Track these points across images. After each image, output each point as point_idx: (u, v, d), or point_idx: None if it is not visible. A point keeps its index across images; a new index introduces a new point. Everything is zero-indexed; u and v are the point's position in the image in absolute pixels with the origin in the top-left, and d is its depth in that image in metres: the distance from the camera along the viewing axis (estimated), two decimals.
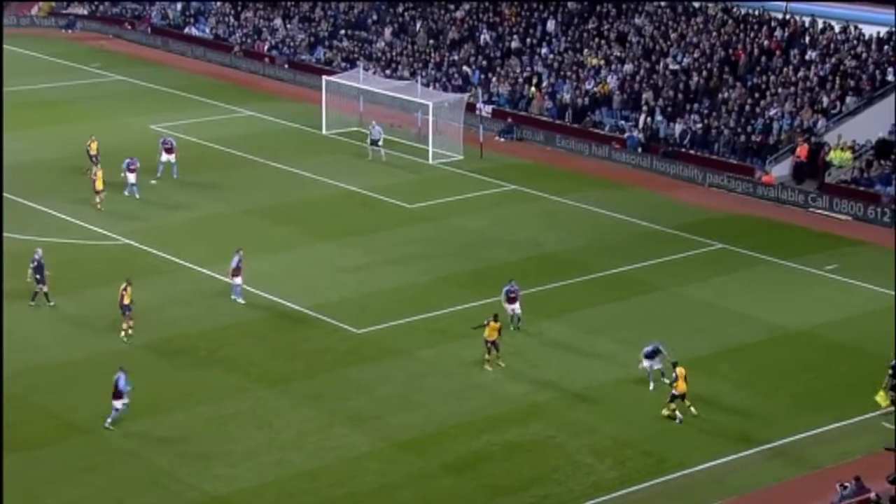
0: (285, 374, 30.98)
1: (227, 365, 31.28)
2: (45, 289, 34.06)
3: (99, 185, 41.44)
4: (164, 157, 45.14)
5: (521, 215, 43.66)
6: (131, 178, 42.78)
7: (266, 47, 65.10)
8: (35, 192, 43.26)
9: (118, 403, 27.78)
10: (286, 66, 63.05)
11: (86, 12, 72.35)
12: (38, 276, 33.91)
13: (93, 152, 44.55)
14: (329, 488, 26.15)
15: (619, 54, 55.31)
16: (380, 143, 48.36)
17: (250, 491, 25.87)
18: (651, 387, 30.23)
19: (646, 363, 30.48)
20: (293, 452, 27.42)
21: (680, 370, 28.91)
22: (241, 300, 34.49)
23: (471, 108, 52.78)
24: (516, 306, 33.31)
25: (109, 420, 27.76)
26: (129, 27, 70.21)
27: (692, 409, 28.90)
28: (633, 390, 30.58)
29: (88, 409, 28.68)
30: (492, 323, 31.28)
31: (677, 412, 28.81)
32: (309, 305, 34.87)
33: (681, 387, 28.82)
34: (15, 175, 44.57)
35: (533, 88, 55.42)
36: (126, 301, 32.17)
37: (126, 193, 42.67)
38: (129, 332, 32.28)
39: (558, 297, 36.08)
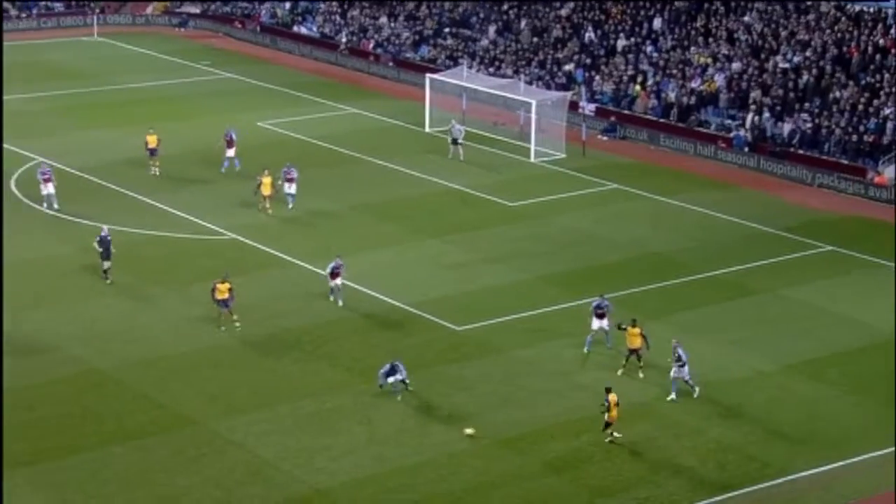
0: None
1: (329, 360, 31.50)
2: (108, 265, 34.94)
3: (266, 191, 40.79)
4: (228, 151, 45.31)
5: (624, 215, 43.14)
6: (288, 188, 41.35)
7: (371, 45, 65.48)
8: (146, 187, 44.10)
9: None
10: (391, 63, 63.34)
11: (198, 11, 73.64)
12: (101, 252, 34.98)
13: (152, 146, 44.77)
14: (428, 485, 26.14)
15: (726, 52, 54.31)
16: (460, 141, 48.12)
17: (350, 485, 26.00)
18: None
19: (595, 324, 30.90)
20: (393, 448, 27.48)
21: (612, 397, 27.34)
22: (339, 302, 34.32)
23: (574, 106, 52.35)
24: (605, 322, 31.90)
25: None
26: (239, 25, 71.26)
27: (614, 434, 27.45)
28: (737, 393, 29.96)
29: (196, 400, 29.14)
30: (629, 329, 30.44)
31: (613, 434, 27.44)
32: (410, 302, 34.93)
33: (612, 415, 27.26)
34: (127, 170, 45.57)
35: (637, 87, 54.74)
36: (221, 297, 32.36)
37: (290, 207, 41.71)
38: (237, 324, 32.61)
39: (660, 298, 35.55)
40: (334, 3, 70.01)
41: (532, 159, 48.94)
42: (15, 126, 49.96)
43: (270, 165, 44.98)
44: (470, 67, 56.67)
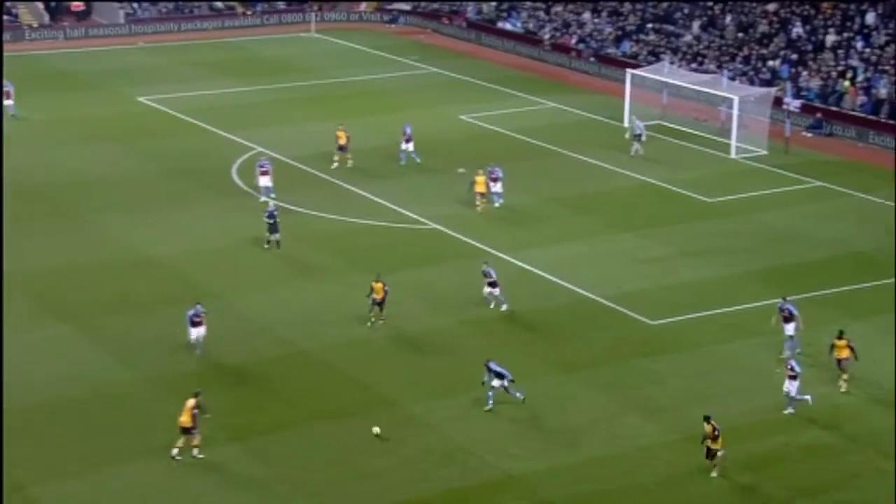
0: (579, 360, 31.15)
1: (524, 349, 31.77)
2: (278, 237, 37.19)
3: (480, 188, 40.86)
4: (405, 145, 45.86)
5: (828, 213, 41.76)
6: (493, 186, 41.14)
7: (574, 41, 65.39)
8: (353, 177, 45.44)
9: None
10: (592, 59, 63.10)
11: (408, 8, 75.24)
12: (270, 223, 37.16)
13: (342, 142, 45.43)
14: (619, 476, 26.11)
15: None
16: (643, 138, 47.37)
17: (544, 472, 26.21)
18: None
19: None
20: (585, 437, 27.56)
21: (707, 427, 25.50)
22: (504, 307, 33.73)
23: (778, 102, 50.95)
24: (791, 327, 30.64)
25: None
26: (447, 22, 72.41)
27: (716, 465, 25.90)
28: None
29: (396, 383, 29.93)
30: (836, 341, 29.19)
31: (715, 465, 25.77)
32: (605, 295, 34.85)
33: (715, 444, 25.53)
34: (340, 161, 47.05)
35: (846, 83, 52.78)
36: (378, 296, 32.32)
37: (496, 204, 41.37)
38: (380, 321, 32.49)
39: (865, 298, 34.32)
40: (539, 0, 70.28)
41: (733, 155, 47.91)
42: (235, 117, 52.39)
43: (470, 158, 45.63)
44: (672, 63, 55.87)
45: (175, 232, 39.28)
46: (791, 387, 28.16)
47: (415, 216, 41.37)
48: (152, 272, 36.12)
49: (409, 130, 46.35)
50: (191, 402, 26.38)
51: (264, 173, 41.79)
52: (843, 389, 29.20)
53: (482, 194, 41.05)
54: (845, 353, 29.16)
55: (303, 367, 30.84)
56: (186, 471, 26.02)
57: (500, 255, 37.90)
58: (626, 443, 27.32)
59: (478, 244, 38.84)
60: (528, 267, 37.01)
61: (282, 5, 74.96)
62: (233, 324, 32.90)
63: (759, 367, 30.61)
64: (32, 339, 31.54)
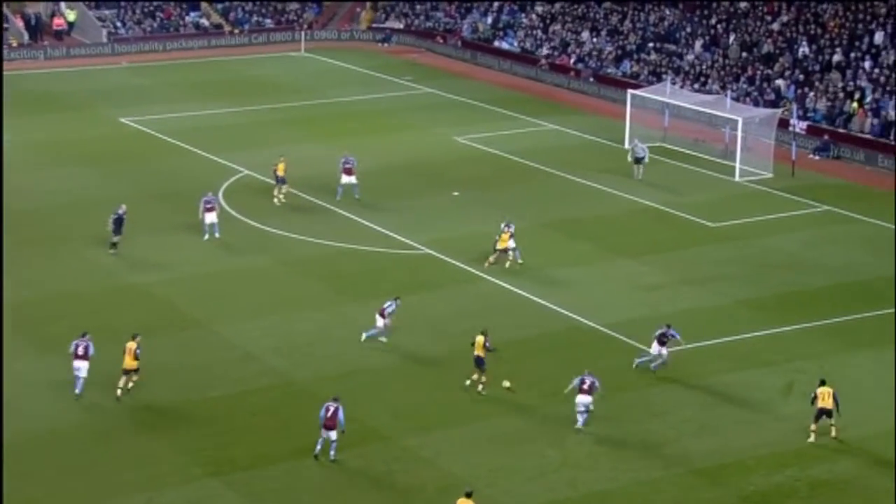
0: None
1: (519, 379, 31.64)
2: (117, 239, 38.61)
3: (503, 244, 38.18)
4: (345, 178, 44.39)
5: (835, 238, 41.76)
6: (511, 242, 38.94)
7: (572, 60, 65.60)
8: (346, 200, 45.23)
9: (331, 434, 27.07)
10: (591, 79, 63.28)
11: (401, 26, 75.50)
12: (114, 228, 38.69)
13: (280, 174, 44.04)
14: None
15: None
16: (645, 160, 47.36)
17: None
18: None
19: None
20: (586, 472, 27.42)
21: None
22: (381, 338, 33.06)
23: (783, 124, 51.06)
24: (663, 350, 31.13)
25: (318, 449, 27.30)
26: (441, 41, 72.63)
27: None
28: None
29: (386, 415, 29.75)
30: (819, 390, 28.51)
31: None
32: (603, 323, 34.78)
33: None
34: (327, 184, 47.00)
35: (854, 104, 52.95)
36: (478, 353, 30.80)
37: (519, 260, 38.56)
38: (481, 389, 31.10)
39: (871, 329, 34.25)
40: (536, 18, 70.51)
41: (736, 178, 47.97)
42: (222, 139, 52.40)
43: (465, 181, 45.64)
44: (674, 83, 56.05)
45: (157, 257, 39.19)
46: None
47: (407, 241, 41.32)
48: (134, 300, 36.00)
49: (352, 162, 44.76)
50: (132, 344, 29.65)
51: (210, 209, 40.45)
52: (832, 435, 28.43)
53: (504, 251, 38.79)
54: (829, 403, 28.41)
55: (290, 398, 30.70)
56: None
57: (495, 280, 37.85)
58: (628, 477, 27.18)
59: (472, 269, 38.77)
60: (523, 293, 36.94)
61: (270, 23, 75.23)
62: (217, 353, 32.77)
63: (763, 399, 30.50)
64: (12, 371, 31.29)
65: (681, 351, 33.04)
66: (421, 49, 72.71)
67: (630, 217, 43.94)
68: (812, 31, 58.63)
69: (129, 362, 29.61)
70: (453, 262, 39.51)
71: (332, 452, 27.39)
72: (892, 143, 50.46)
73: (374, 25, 75.70)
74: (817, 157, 51.24)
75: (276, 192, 44.32)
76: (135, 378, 29.76)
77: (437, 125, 55.56)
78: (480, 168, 49.31)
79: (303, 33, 72.82)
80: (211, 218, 40.48)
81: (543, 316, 35.32)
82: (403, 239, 41.48)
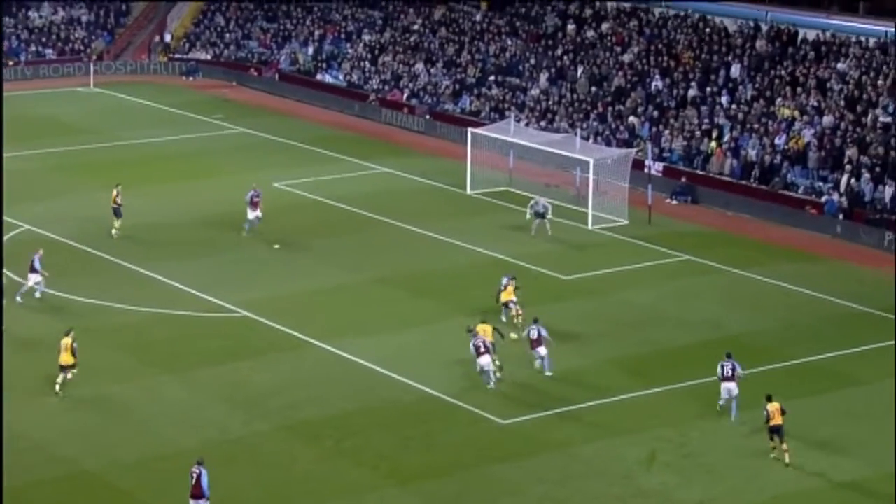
0: (419, 469, 30.83)
1: (353, 458, 31.31)
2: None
3: (507, 297, 38.91)
4: (251, 213, 46.23)
5: (696, 290, 42.91)
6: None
7: (405, 95, 66.15)
8: (151, 256, 44.38)
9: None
10: (427, 116, 63.90)
11: (209, 57, 74.86)
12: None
13: (114, 205, 45.91)
14: None
15: (816, 104, 54.31)
16: (547, 216, 47.90)
17: None
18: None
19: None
20: None
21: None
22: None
23: (638, 165, 52.43)
24: (732, 386, 32.99)
25: None
26: (256, 73, 72.33)
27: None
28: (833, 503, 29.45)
29: None
30: (768, 406, 30.85)
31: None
32: (447, 391, 34.79)
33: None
34: (126, 239, 45.94)
35: (712, 143, 54.79)
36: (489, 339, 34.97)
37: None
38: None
39: (740, 390, 35.12)
40: (363, 49, 70.94)
41: (590, 226, 48.94)
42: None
43: (286, 232, 45.15)
44: (518, 121, 57.02)
45: None
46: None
47: (220, 302, 40.64)
48: None
49: (260, 195, 46.81)
50: (67, 340, 33.24)
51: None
52: (786, 462, 30.51)
53: (506, 305, 39.15)
54: (780, 419, 30.47)
55: (82, 490, 29.60)
56: None
57: (322, 345, 37.52)
58: None
59: (295, 333, 38.34)
60: (354, 358, 36.68)
61: (51, 54, 73.53)
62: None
63: (626, 471, 30.89)
64: None
65: (534, 419, 33.25)
66: (232, 83, 72.23)
67: (473, 270, 44.26)
68: (665, 64, 60.58)
69: (65, 358, 32.99)
70: (274, 325, 39.00)
71: None
72: (754, 185, 52.34)
73: (177, 56, 74.89)
74: (675, 202, 52.75)
75: (115, 226, 46.07)
76: (72, 373, 32.94)
77: (253, 169, 55.09)
78: (304, 217, 48.98)
79: (91, 65, 71.44)
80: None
81: (380, 385, 35.07)
82: (216, 300, 40.77)
